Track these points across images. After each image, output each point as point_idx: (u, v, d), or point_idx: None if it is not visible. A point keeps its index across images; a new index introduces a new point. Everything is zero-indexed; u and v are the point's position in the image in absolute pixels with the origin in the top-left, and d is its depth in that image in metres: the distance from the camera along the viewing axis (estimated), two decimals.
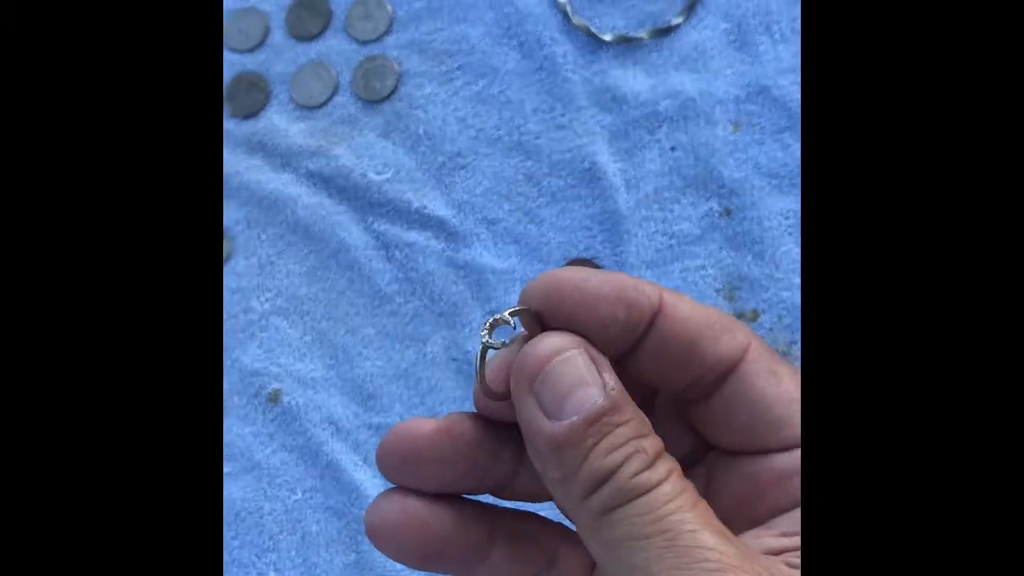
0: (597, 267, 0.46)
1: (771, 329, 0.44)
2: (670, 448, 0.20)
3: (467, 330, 0.47)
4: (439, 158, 0.50)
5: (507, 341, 0.20)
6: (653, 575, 0.17)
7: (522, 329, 0.20)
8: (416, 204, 0.49)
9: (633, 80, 0.48)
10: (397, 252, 0.49)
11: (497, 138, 0.49)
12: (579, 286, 0.19)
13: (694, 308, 0.20)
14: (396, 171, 0.50)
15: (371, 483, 0.47)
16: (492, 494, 0.23)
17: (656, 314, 0.20)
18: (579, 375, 0.19)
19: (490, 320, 0.19)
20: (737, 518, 0.20)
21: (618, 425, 0.18)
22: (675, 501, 0.18)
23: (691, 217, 0.46)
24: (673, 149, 0.47)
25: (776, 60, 0.47)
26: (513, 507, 0.23)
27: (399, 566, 0.45)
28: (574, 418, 0.18)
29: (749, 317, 0.44)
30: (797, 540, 0.19)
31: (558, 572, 0.22)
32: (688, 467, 0.21)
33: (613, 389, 0.19)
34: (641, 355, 0.20)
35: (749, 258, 0.45)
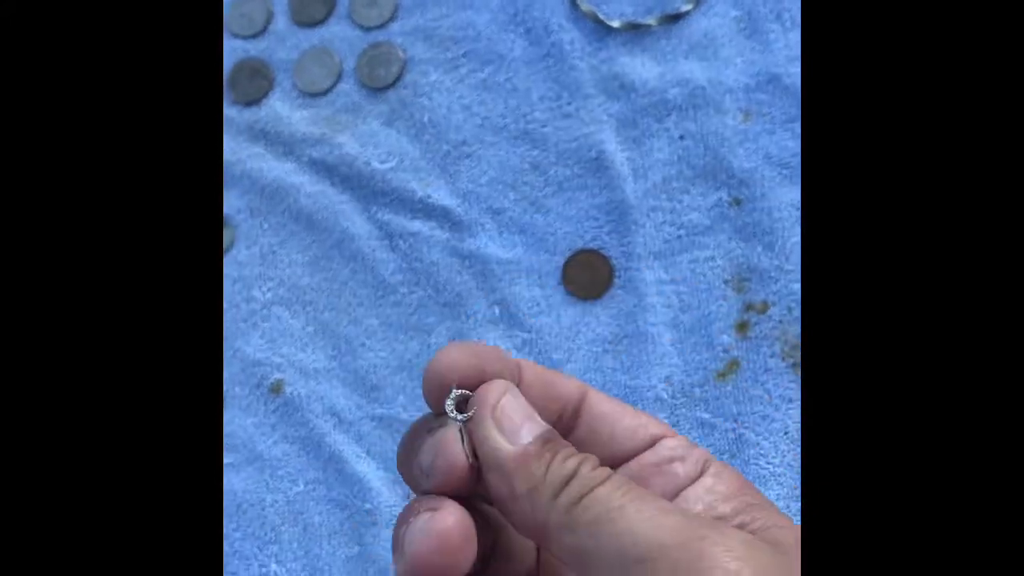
0: (604, 258, 0.46)
1: (780, 321, 0.43)
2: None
3: (471, 321, 0.47)
4: (444, 147, 0.49)
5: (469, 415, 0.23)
6: (638, 531, 0.20)
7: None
8: (420, 193, 0.48)
9: (641, 68, 0.47)
10: (401, 242, 0.48)
11: (503, 126, 0.48)
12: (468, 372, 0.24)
13: (540, 368, 0.26)
14: (400, 160, 0.49)
15: (374, 475, 0.46)
16: None
17: (519, 371, 0.25)
18: (526, 410, 0.23)
19: (454, 397, 0.23)
20: None
21: (563, 445, 0.23)
22: (626, 483, 0.22)
23: (700, 207, 0.45)
24: (682, 138, 0.46)
25: (787, 48, 0.46)
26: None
27: None
28: (531, 439, 0.23)
29: (759, 309, 0.44)
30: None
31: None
32: None
33: (547, 422, 0.24)
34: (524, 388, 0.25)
35: (759, 249, 0.44)
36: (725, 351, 0.44)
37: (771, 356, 0.43)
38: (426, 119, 0.49)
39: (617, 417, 0.25)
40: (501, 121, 0.48)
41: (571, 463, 0.22)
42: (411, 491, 0.26)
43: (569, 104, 0.48)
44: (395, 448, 0.46)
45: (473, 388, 0.24)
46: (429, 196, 0.48)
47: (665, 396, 0.44)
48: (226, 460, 0.48)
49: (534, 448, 0.22)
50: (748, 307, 0.44)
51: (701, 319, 0.44)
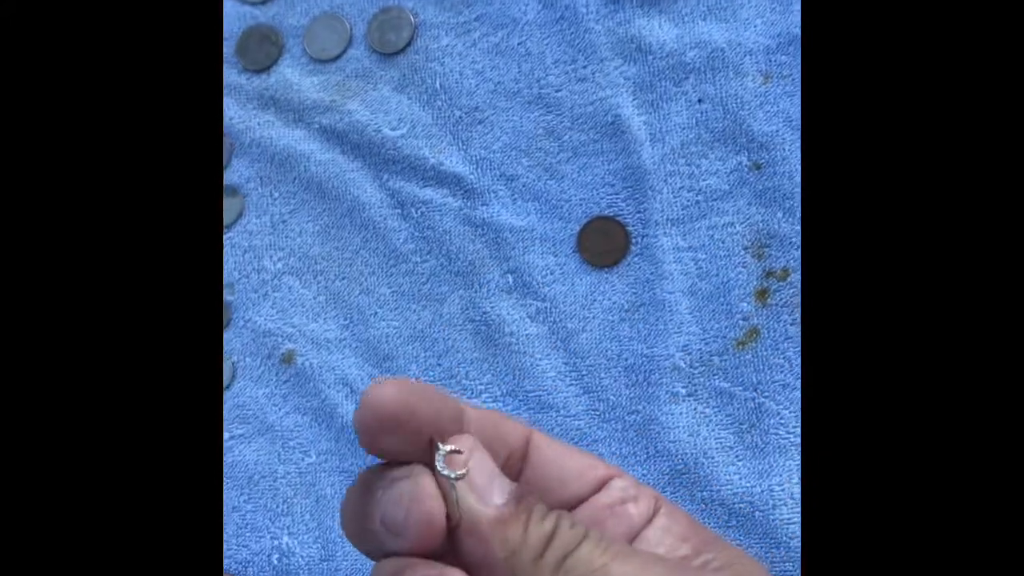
0: (620, 225, 0.45)
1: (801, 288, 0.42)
2: None
3: (485, 290, 0.46)
4: (456, 113, 0.48)
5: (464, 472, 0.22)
6: None
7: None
8: (432, 160, 0.47)
9: (659, 30, 0.46)
10: (413, 210, 0.47)
11: (516, 91, 0.47)
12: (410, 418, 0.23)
13: (484, 411, 0.25)
14: (412, 126, 0.48)
15: None
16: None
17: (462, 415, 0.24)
18: (491, 468, 0.22)
19: (443, 452, 0.22)
20: None
21: (535, 502, 0.22)
22: (605, 539, 0.21)
23: (719, 172, 0.44)
24: (700, 101, 0.45)
25: None
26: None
27: None
28: (503, 499, 0.22)
29: (779, 276, 0.42)
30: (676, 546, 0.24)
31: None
32: None
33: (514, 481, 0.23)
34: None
35: (779, 215, 0.43)
36: (744, 319, 0.43)
37: (791, 324, 0.42)
38: (438, 85, 0.48)
39: (564, 459, 0.25)
40: (514, 86, 0.47)
41: (548, 523, 0.21)
42: (363, 552, 0.25)
43: (584, 68, 0.46)
44: None
45: (409, 430, 0.22)
46: (441, 163, 0.47)
47: (683, 365, 0.43)
48: (237, 431, 0.48)
49: (508, 509, 0.21)
50: (768, 274, 0.43)
51: (720, 286, 0.43)
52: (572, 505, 0.25)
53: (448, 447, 0.22)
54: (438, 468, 0.22)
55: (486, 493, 0.22)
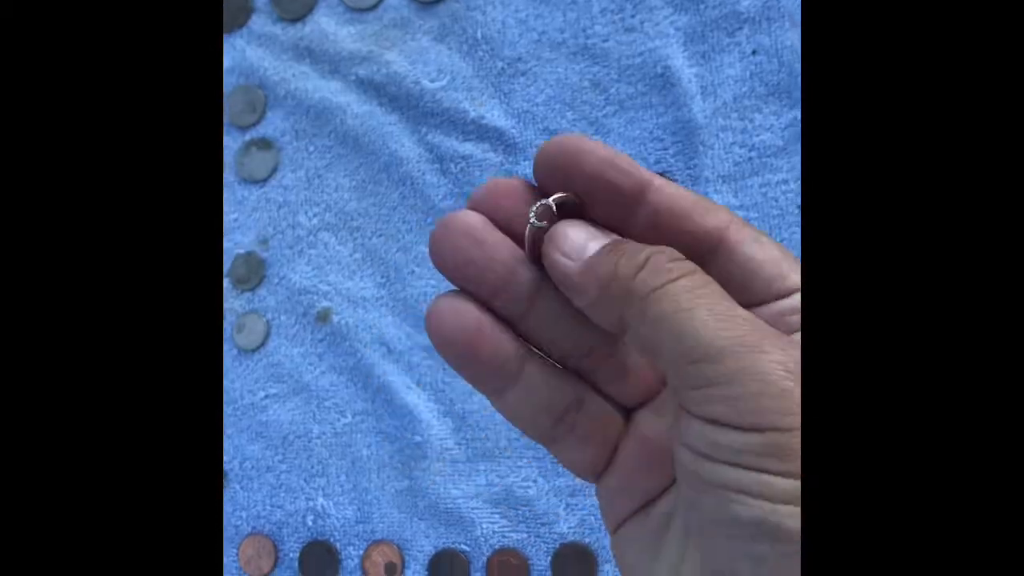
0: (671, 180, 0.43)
1: None
2: None
3: None
4: (498, 64, 0.46)
5: (544, 223, 0.22)
6: (701, 335, 0.19)
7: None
8: (473, 114, 0.46)
9: None
10: (452, 165, 0.46)
11: (561, 42, 0.45)
12: (585, 159, 0.22)
13: (682, 189, 0.23)
14: (451, 78, 0.47)
15: (424, 407, 0.44)
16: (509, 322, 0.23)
17: (647, 187, 0.22)
18: (590, 232, 0.22)
19: (537, 207, 0.22)
20: None
21: (631, 244, 0.21)
22: (710, 282, 0.20)
23: (773, 127, 0.42)
24: (755, 53, 0.43)
25: None
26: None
27: (455, 493, 0.43)
28: (594, 251, 0.21)
29: None
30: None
31: (584, 415, 0.23)
32: None
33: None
34: (636, 226, 0.22)
35: None
36: None
37: None
38: (479, 35, 0.46)
39: (757, 259, 0.22)
40: (559, 36, 0.45)
41: (642, 256, 0.20)
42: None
43: (633, 17, 0.44)
44: (446, 380, 0.44)
45: (580, 189, 0.22)
46: (482, 116, 0.46)
47: None
48: (272, 391, 0.47)
49: (602, 253, 0.21)
50: None
51: None
52: (748, 305, 0.22)
53: (544, 202, 0.22)
54: (530, 214, 0.22)
55: (576, 253, 0.21)
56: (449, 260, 0.22)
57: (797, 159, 0.42)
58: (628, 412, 0.23)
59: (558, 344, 0.23)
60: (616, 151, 0.22)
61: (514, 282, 0.22)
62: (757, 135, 0.42)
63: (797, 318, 0.22)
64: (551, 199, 0.22)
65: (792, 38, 0.42)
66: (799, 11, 0.42)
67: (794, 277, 0.22)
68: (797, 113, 0.42)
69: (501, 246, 0.22)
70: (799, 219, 0.41)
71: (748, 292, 0.22)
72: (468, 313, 0.22)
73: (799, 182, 0.42)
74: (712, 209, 0.22)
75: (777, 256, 0.22)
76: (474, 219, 0.22)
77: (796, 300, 0.22)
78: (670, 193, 0.22)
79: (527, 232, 0.22)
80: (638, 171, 0.22)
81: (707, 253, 0.22)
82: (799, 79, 0.42)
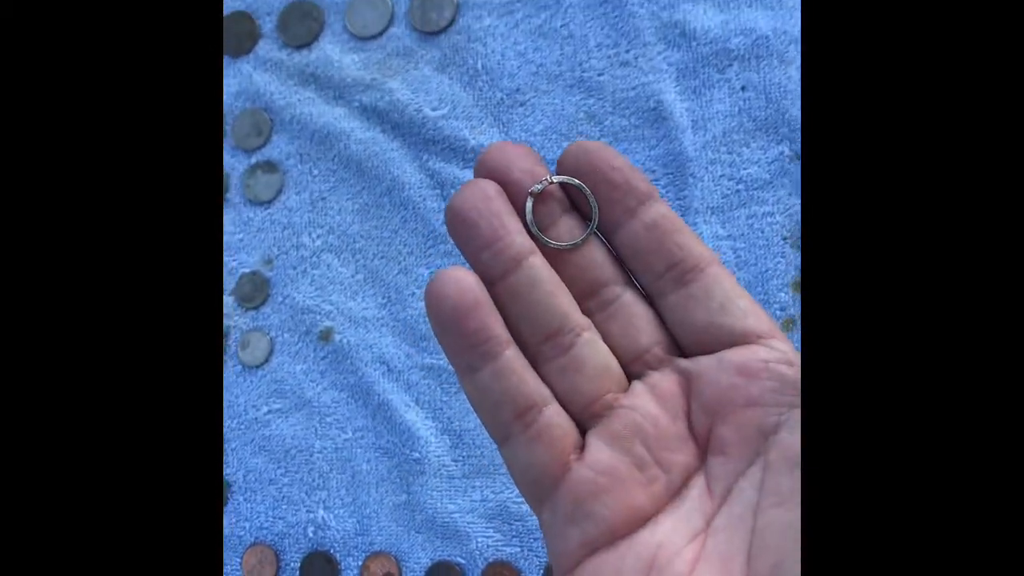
0: None
1: None
2: (637, 343, 0.24)
3: None
4: (497, 94, 0.48)
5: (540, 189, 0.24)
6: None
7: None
8: (473, 142, 0.47)
9: (703, 15, 0.46)
10: (452, 191, 0.48)
11: (558, 74, 0.47)
12: (611, 155, 0.24)
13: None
14: (452, 107, 0.48)
15: (422, 424, 0.46)
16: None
17: (655, 195, 0.24)
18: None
19: (541, 183, 0.24)
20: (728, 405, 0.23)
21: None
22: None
23: (760, 161, 0.44)
24: (744, 89, 0.45)
25: None
26: None
27: (451, 507, 0.45)
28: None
29: None
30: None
31: (543, 418, 0.24)
32: (657, 370, 0.24)
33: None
34: (634, 227, 0.24)
35: None
36: (782, 309, 0.43)
37: None
38: (479, 65, 0.48)
39: (732, 295, 0.24)
40: (556, 69, 0.47)
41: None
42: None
43: (627, 52, 0.46)
44: (444, 399, 0.46)
45: (598, 182, 0.24)
46: (481, 144, 0.47)
47: None
48: (275, 406, 0.48)
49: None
50: None
51: (758, 276, 0.43)
52: (722, 340, 0.24)
53: (546, 180, 0.24)
54: (533, 189, 0.24)
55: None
56: (458, 207, 0.24)
57: (783, 192, 0.44)
58: (583, 432, 0.24)
59: (523, 320, 0.24)
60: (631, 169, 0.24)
61: (506, 240, 0.23)
62: (745, 168, 0.44)
63: (782, 368, 0.23)
64: (555, 177, 0.24)
65: (779, 76, 0.44)
66: (787, 50, 0.44)
67: (761, 326, 0.23)
68: (784, 148, 0.44)
69: (504, 204, 0.24)
70: (784, 250, 0.43)
71: (722, 320, 0.23)
72: (469, 286, 0.23)
73: (784, 215, 0.44)
74: (702, 241, 0.24)
75: (745, 298, 0.24)
76: (490, 186, 0.24)
77: (776, 351, 0.23)
78: (669, 210, 0.24)
79: (528, 201, 0.24)
80: (647, 184, 0.24)
81: (691, 270, 0.24)
82: (786, 115, 0.44)
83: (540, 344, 0.24)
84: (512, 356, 0.23)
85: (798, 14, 0.45)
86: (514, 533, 0.44)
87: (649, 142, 0.46)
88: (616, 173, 0.24)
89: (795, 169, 0.44)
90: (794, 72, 0.44)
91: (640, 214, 0.24)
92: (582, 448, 0.24)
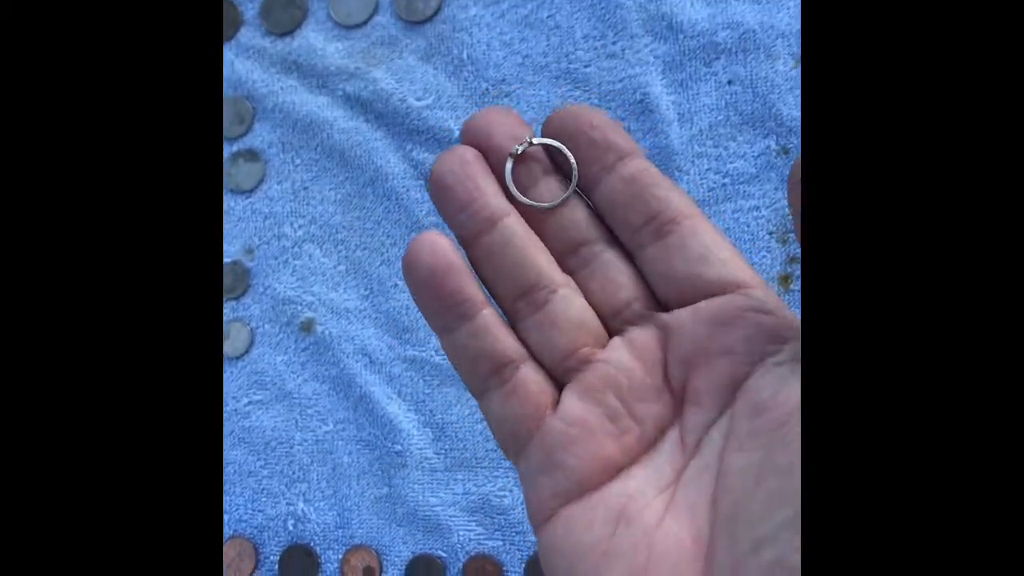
0: None
1: None
2: (616, 298, 0.24)
3: None
4: (482, 84, 0.47)
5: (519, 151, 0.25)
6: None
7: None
8: (457, 132, 0.47)
9: (691, 8, 0.45)
10: None
11: (544, 65, 0.47)
12: (593, 115, 0.24)
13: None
14: (437, 97, 0.48)
15: (404, 417, 0.46)
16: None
17: (636, 152, 0.24)
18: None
19: (521, 145, 0.24)
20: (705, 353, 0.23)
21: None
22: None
23: (747, 155, 0.44)
24: (730, 83, 0.45)
25: None
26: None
27: (433, 501, 0.44)
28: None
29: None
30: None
31: (520, 374, 0.24)
32: (637, 325, 0.24)
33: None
34: (612, 181, 0.24)
35: None
36: None
37: None
38: (465, 55, 0.48)
39: (713, 247, 0.24)
40: (542, 60, 0.47)
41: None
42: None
43: (614, 44, 0.46)
44: (426, 391, 0.46)
45: (567, 139, 0.24)
46: None
47: None
48: (255, 398, 0.48)
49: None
50: (792, 259, 0.43)
51: None
52: (702, 290, 0.24)
53: (530, 141, 0.24)
54: (515, 149, 0.24)
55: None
56: (436, 173, 0.24)
57: (769, 186, 0.44)
58: (559, 388, 0.24)
59: (498, 279, 0.24)
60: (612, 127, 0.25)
61: (480, 201, 0.24)
62: (731, 162, 0.44)
63: (761, 317, 0.23)
64: (535, 139, 0.24)
65: (766, 70, 0.44)
66: (774, 44, 0.44)
67: (739, 275, 0.23)
68: (770, 142, 0.44)
69: (481, 168, 0.24)
70: (769, 244, 0.43)
71: (701, 271, 0.23)
72: (443, 249, 0.23)
73: (771, 209, 0.43)
74: (684, 194, 0.24)
75: (726, 248, 0.24)
76: (467, 151, 0.24)
77: (754, 299, 0.23)
78: (650, 165, 0.24)
79: (508, 162, 0.24)
80: (630, 143, 0.24)
81: (670, 222, 0.24)
82: (772, 110, 0.44)
83: (515, 301, 0.24)
84: (488, 315, 0.24)
85: (785, 8, 0.45)
86: (496, 527, 0.44)
87: (635, 135, 0.45)
88: (596, 132, 0.24)
89: (781, 164, 0.44)
90: (781, 66, 0.44)
91: (619, 169, 0.24)
92: (559, 403, 0.24)
